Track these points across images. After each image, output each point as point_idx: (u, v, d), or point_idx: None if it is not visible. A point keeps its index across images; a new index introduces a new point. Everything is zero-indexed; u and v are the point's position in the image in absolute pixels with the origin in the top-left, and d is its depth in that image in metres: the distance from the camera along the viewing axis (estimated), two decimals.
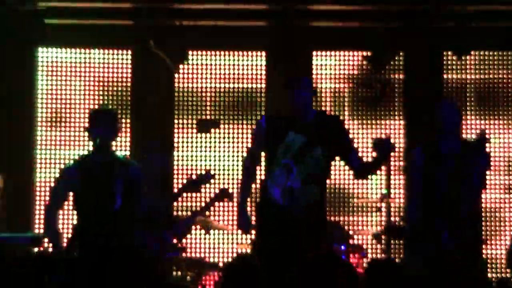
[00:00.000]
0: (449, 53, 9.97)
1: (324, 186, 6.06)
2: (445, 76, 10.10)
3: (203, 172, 7.79)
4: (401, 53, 10.02)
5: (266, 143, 6.11)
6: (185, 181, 8.06)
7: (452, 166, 6.06)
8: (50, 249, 6.45)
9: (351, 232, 9.30)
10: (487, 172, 6.26)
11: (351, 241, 8.90)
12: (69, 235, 6.38)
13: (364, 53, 9.83)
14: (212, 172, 7.76)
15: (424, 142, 6.29)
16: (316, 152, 5.97)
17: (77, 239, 6.18)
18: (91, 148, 6.31)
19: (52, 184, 6.75)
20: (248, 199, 6.19)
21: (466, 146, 6.21)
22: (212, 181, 7.78)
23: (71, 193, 6.23)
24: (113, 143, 6.30)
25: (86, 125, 6.30)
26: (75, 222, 6.38)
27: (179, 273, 8.48)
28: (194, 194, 9.48)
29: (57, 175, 6.59)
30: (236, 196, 7.18)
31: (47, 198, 6.53)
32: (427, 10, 9.67)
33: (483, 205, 7.59)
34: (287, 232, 5.90)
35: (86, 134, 6.30)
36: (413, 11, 9.78)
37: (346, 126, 6.26)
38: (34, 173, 9.87)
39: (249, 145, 6.43)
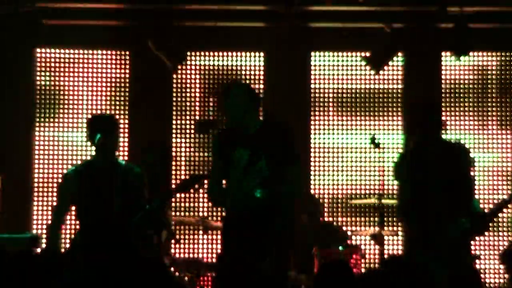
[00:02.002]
0: (448, 54, 9.99)
1: (275, 190, 5.86)
2: (443, 77, 10.13)
3: (196, 173, 7.81)
4: (399, 54, 10.03)
5: (219, 159, 6.07)
6: (178, 181, 8.07)
7: (438, 170, 6.05)
8: (48, 252, 6.46)
9: (349, 233, 9.32)
10: (472, 173, 6.28)
11: (349, 242, 8.92)
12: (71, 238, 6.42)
13: (363, 54, 9.85)
14: (205, 173, 7.77)
15: (410, 147, 6.28)
16: (260, 165, 5.84)
17: (78, 243, 6.19)
18: (93, 154, 6.33)
19: (55, 188, 6.80)
20: None
21: (450, 148, 6.21)
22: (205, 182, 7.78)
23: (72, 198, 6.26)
24: (115, 147, 6.31)
25: (87, 130, 6.32)
26: (77, 226, 6.41)
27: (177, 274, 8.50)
28: (187, 195, 9.53)
29: (59, 181, 6.61)
30: None
31: (45, 196, 6.58)
32: (429, 11, 9.69)
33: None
34: (241, 239, 5.89)
35: (87, 139, 6.32)
36: (413, 12, 9.80)
37: (293, 134, 6.01)
38: (32, 173, 9.87)
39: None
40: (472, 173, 6.31)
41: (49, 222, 6.73)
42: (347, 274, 5.17)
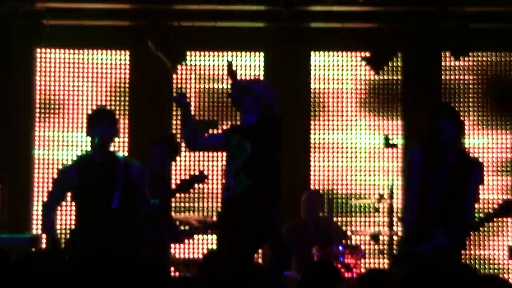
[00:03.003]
0: (448, 54, 9.99)
1: (256, 176, 6.14)
2: (443, 77, 10.12)
3: (196, 172, 7.82)
4: (399, 54, 10.03)
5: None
6: (178, 181, 8.07)
7: (447, 177, 6.01)
8: (48, 249, 6.46)
9: (349, 233, 9.31)
10: (480, 186, 6.20)
11: (349, 242, 8.92)
12: (68, 234, 6.41)
13: (363, 54, 9.85)
14: (205, 172, 7.78)
15: (423, 141, 6.20)
16: (245, 145, 6.15)
17: (76, 238, 6.19)
18: (90, 148, 6.33)
19: (51, 184, 6.80)
20: None
21: (463, 158, 6.13)
22: (205, 181, 7.80)
23: (69, 193, 6.25)
24: (113, 143, 6.32)
25: (86, 125, 6.33)
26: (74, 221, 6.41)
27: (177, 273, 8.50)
28: (187, 195, 9.53)
29: (56, 174, 6.62)
30: None
31: (45, 197, 6.58)
32: (429, 11, 9.69)
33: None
34: (227, 222, 6.21)
35: (86, 134, 6.33)
36: (413, 12, 9.80)
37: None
38: (32, 173, 9.87)
39: None
40: (478, 192, 6.20)
41: (45, 199, 6.75)
42: (332, 274, 5.18)
